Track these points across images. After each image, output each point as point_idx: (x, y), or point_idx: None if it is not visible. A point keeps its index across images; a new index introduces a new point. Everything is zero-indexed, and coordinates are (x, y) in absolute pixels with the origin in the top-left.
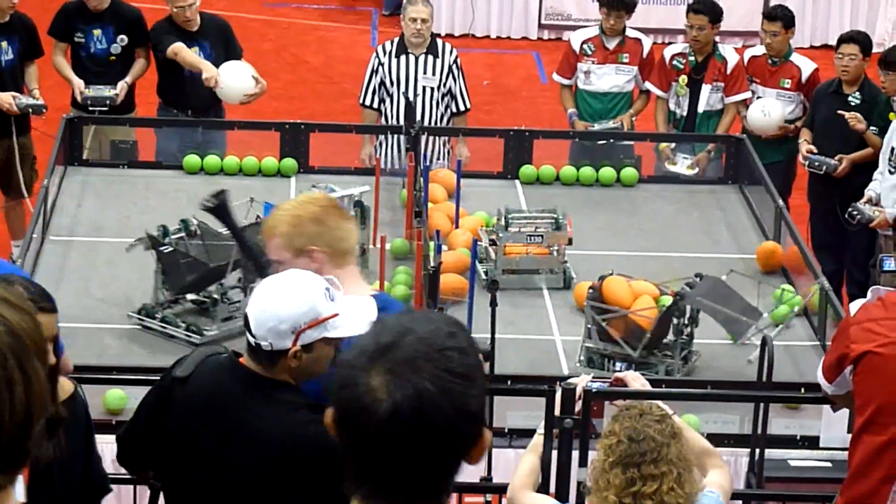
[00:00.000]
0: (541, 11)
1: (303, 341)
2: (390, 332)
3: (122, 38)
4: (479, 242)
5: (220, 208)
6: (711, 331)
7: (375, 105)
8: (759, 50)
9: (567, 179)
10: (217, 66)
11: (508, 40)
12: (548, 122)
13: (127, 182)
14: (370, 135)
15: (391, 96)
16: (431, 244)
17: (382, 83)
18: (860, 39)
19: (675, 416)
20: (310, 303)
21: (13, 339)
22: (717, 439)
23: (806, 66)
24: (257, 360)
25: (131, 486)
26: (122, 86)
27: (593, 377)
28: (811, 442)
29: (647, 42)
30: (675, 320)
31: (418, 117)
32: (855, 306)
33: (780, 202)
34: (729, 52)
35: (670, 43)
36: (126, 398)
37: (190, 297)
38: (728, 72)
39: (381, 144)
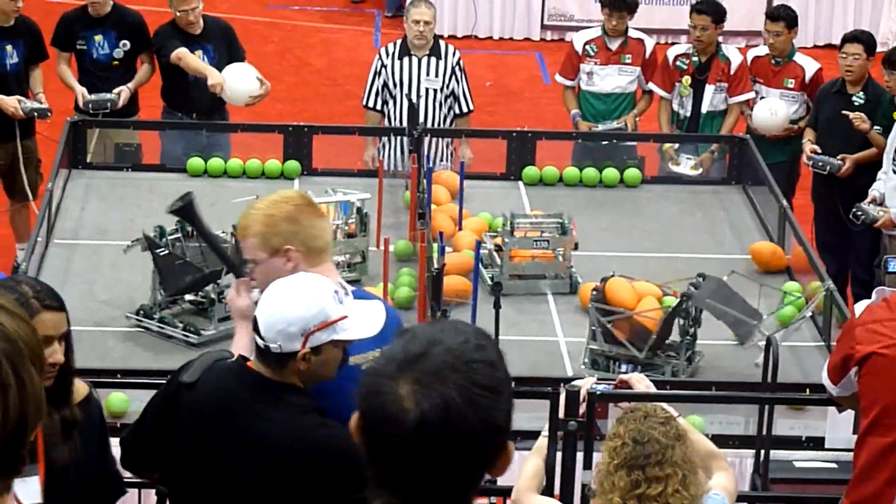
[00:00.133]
0: (543, 12)
1: (312, 343)
2: (420, 342)
3: (125, 43)
4: (482, 244)
5: (185, 210)
6: (715, 331)
7: (378, 107)
8: (763, 50)
9: (570, 180)
10: (220, 69)
11: (511, 41)
12: (551, 123)
13: (131, 185)
14: (373, 137)
15: (394, 98)
16: (435, 246)
17: (385, 85)
18: (864, 39)
19: (680, 417)
20: (319, 305)
21: (8, 344)
22: (722, 440)
23: (809, 66)
24: (266, 363)
25: (136, 490)
26: (122, 89)
27: (598, 379)
28: (816, 443)
29: (650, 42)
30: (680, 321)
31: (421, 119)
32: (860, 307)
33: (784, 202)
34: (732, 52)
35: (673, 43)
36: (128, 401)
37: (188, 297)
38: (731, 72)
39: (384, 146)
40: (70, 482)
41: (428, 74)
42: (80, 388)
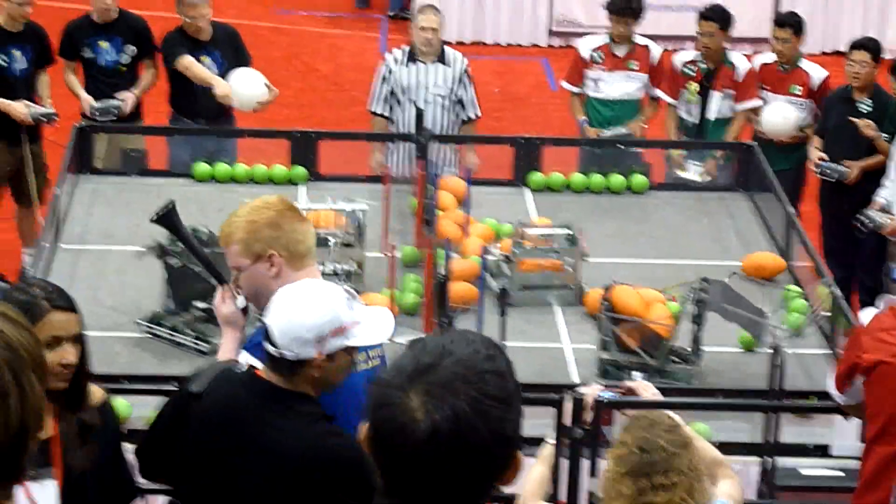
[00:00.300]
0: (550, 19)
1: (327, 349)
2: (430, 353)
3: (132, 49)
4: (489, 251)
5: (166, 218)
6: (721, 338)
7: (385, 113)
8: (770, 57)
9: (577, 187)
10: (227, 74)
11: (518, 47)
12: (557, 130)
13: (137, 190)
14: (380, 142)
15: (401, 104)
16: (441, 252)
17: (392, 91)
18: (871, 46)
19: (686, 425)
20: (333, 311)
21: (9, 352)
22: (728, 448)
23: (816, 73)
24: (278, 372)
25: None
26: (129, 95)
27: (604, 386)
28: (823, 451)
29: (656, 49)
30: (694, 327)
31: (428, 125)
32: (866, 316)
33: (791, 209)
34: (740, 59)
35: (679, 49)
36: (130, 407)
37: (200, 304)
38: (739, 79)
39: (391, 152)
40: (88, 488)
41: (435, 81)
42: (97, 393)
